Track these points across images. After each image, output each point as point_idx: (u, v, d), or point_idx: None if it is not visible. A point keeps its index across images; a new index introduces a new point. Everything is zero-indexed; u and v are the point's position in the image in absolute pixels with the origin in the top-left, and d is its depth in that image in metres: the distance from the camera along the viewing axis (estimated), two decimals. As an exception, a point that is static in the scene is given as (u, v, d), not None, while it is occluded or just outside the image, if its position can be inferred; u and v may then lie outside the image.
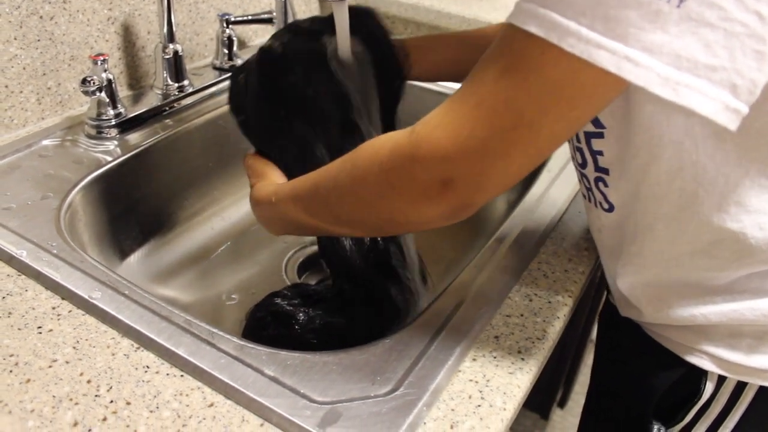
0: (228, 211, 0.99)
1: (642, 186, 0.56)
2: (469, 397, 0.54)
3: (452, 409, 0.52)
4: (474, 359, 0.57)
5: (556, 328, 0.62)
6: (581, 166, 0.61)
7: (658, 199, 0.55)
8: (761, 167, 0.49)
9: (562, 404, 1.67)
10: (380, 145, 0.49)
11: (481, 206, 0.47)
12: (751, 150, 0.49)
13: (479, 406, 0.53)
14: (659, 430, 0.67)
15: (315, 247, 0.96)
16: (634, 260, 0.62)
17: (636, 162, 0.54)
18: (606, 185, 0.60)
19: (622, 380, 0.73)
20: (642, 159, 0.54)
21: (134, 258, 0.86)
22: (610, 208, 0.61)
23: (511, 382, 0.55)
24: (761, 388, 0.61)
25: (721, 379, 0.62)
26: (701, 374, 0.62)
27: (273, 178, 0.68)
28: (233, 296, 0.87)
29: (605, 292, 0.76)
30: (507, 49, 0.41)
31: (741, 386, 0.62)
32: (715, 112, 0.36)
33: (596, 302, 1.36)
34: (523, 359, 0.58)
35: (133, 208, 0.86)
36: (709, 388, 0.63)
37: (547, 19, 0.37)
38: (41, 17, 0.83)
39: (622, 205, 0.60)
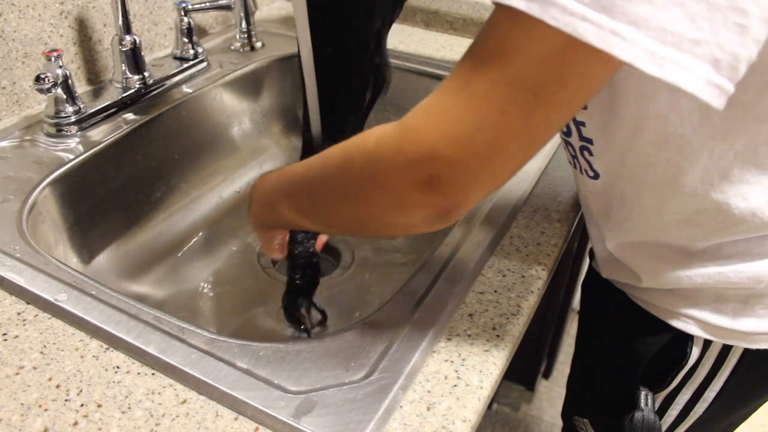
0: (197, 202, 0.97)
1: (628, 156, 0.56)
2: (445, 377, 0.53)
3: (428, 391, 0.52)
4: (449, 339, 0.57)
5: (530, 303, 0.62)
6: (566, 134, 0.61)
7: (644, 169, 0.55)
8: (747, 140, 0.49)
9: (546, 375, 1.68)
10: (369, 133, 0.46)
11: (466, 210, 0.43)
12: (738, 124, 0.48)
13: (455, 386, 0.52)
14: (646, 395, 0.68)
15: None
16: (623, 225, 0.62)
17: (621, 133, 0.54)
18: (591, 154, 0.60)
19: (609, 347, 0.74)
20: (627, 130, 0.53)
21: (104, 257, 0.84)
22: (596, 176, 0.61)
23: (486, 359, 0.55)
24: (745, 351, 0.62)
25: (707, 344, 0.62)
26: (687, 339, 0.63)
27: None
28: (207, 288, 0.86)
29: (588, 261, 0.76)
30: (493, 31, 0.38)
31: (726, 350, 0.62)
32: (698, 89, 0.35)
33: (575, 272, 1.36)
34: (498, 336, 0.57)
35: (99, 206, 0.84)
36: (695, 352, 0.63)
37: None
38: (-10, 15, 0.81)
39: (607, 174, 0.60)
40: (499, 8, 0.37)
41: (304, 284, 0.71)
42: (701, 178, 0.52)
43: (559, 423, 0.89)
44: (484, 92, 0.38)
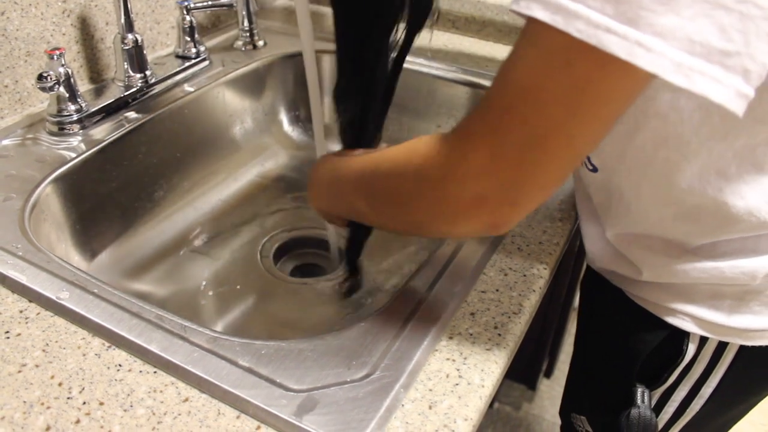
0: (199, 201, 0.97)
1: (627, 152, 0.56)
2: (447, 376, 0.53)
3: (430, 389, 0.52)
4: (450, 337, 0.57)
5: (532, 302, 0.62)
6: None
7: (642, 166, 0.56)
8: (746, 140, 0.49)
9: (548, 374, 1.68)
10: (416, 146, 0.47)
11: (517, 222, 0.45)
12: (738, 124, 0.48)
13: (457, 384, 0.53)
14: (643, 392, 0.68)
15: (289, 234, 0.95)
16: (622, 217, 0.62)
17: (620, 128, 0.54)
18: None
19: (606, 345, 0.74)
20: (627, 127, 0.53)
21: (105, 255, 0.84)
22: (594, 169, 0.62)
23: (488, 358, 0.55)
24: (741, 348, 0.62)
25: (703, 340, 0.63)
26: (683, 336, 0.63)
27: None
28: (209, 287, 0.86)
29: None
30: (529, 46, 0.39)
31: (722, 347, 0.62)
32: (727, 99, 0.35)
33: (576, 271, 1.36)
34: (499, 335, 0.57)
35: (101, 204, 0.84)
36: (691, 349, 0.63)
37: (552, 3, 0.35)
38: (-8, 13, 0.81)
39: (606, 168, 0.60)
40: (531, 23, 0.37)
41: (361, 236, 0.76)
42: (699, 176, 0.52)
43: (560, 422, 0.89)
44: (524, 114, 0.39)
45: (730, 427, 0.75)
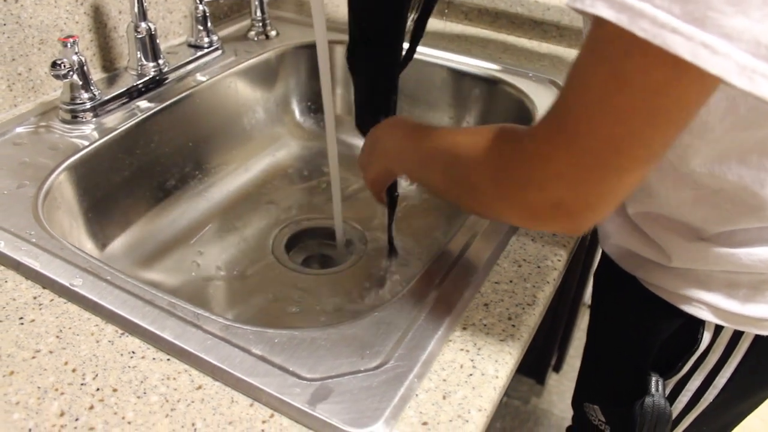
0: (210, 190, 0.97)
1: None
2: (461, 366, 0.53)
3: (444, 380, 0.52)
4: (464, 328, 0.57)
5: (546, 293, 0.61)
6: None
7: None
8: None
9: (557, 368, 1.68)
10: (488, 139, 0.47)
11: (594, 223, 0.45)
12: (763, 114, 0.48)
13: (471, 375, 0.52)
14: (657, 381, 0.67)
15: (301, 223, 0.95)
16: (645, 199, 0.62)
17: None
18: None
19: (620, 334, 0.74)
20: None
21: (118, 243, 0.84)
22: None
23: (502, 349, 0.55)
24: (756, 337, 0.62)
25: (718, 329, 0.62)
26: (698, 324, 0.63)
27: None
28: (220, 276, 0.86)
29: (602, 251, 0.76)
30: (599, 50, 0.38)
31: (737, 336, 0.62)
32: None
33: (587, 265, 1.35)
34: (513, 326, 0.57)
35: (113, 193, 0.84)
36: (706, 338, 0.63)
37: (617, 1, 0.35)
38: (5, 0, 0.81)
39: None
40: (599, 23, 0.37)
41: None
42: (720, 162, 0.52)
43: (569, 417, 0.89)
44: (602, 120, 0.39)
45: (743, 418, 0.75)
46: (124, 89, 0.89)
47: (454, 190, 0.54)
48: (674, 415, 0.70)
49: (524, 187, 0.44)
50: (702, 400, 0.68)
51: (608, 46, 0.37)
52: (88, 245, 0.80)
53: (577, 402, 0.85)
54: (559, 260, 0.65)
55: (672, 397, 0.69)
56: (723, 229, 0.57)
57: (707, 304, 0.61)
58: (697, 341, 0.63)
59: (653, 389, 0.67)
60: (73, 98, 0.84)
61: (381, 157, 0.66)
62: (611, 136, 0.39)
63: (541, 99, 0.94)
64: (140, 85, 0.91)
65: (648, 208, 0.63)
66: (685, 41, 0.33)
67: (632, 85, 0.37)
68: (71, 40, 0.80)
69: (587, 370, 0.85)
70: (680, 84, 0.36)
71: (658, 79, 0.36)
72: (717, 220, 0.57)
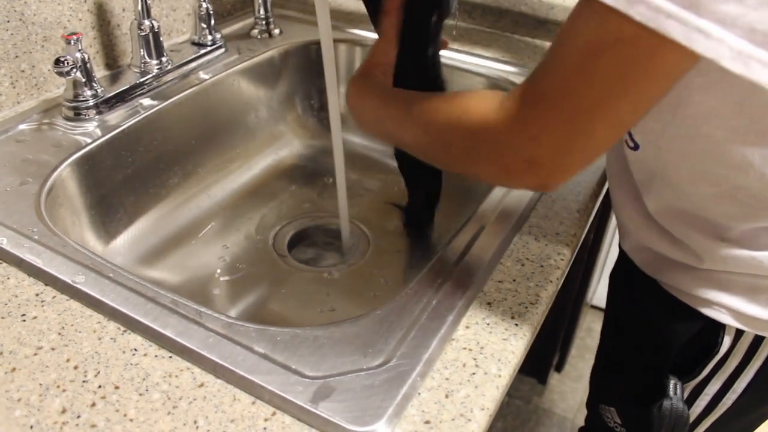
0: (213, 188, 0.97)
1: (669, 128, 0.55)
2: (464, 365, 0.53)
3: (446, 378, 0.52)
4: (467, 327, 0.56)
5: (549, 292, 0.61)
6: None
7: (685, 141, 0.55)
8: None
9: (559, 368, 1.68)
10: (468, 104, 0.49)
11: (563, 183, 0.48)
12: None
13: (474, 374, 0.52)
14: (675, 384, 0.67)
15: (303, 222, 0.95)
16: (665, 193, 0.62)
17: (663, 102, 0.54)
18: None
19: (639, 336, 0.73)
20: (670, 100, 0.53)
21: (120, 240, 0.84)
22: (635, 147, 0.61)
23: (505, 348, 0.55)
24: None
25: (739, 333, 0.62)
26: (719, 328, 0.62)
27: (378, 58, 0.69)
28: (222, 274, 0.86)
29: (619, 250, 0.76)
30: (582, 23, 0.40)
31: (758, 341, 0.62)
32: None
33: (590, 265, 1.35)
34: (516, 325, 0.57)
35: (116, 190, 0.84)
36: (726, 342, 0.62)
37: None
38: (10, -3, 0.81)
39: (648, 145, 0.60)
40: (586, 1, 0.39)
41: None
42: (742, 155, 0.51)
43: (570, 416, 0.89)
44: (577, 87, 0.41)
45: (759, 424, 0.74)
46: (128, 87, 0.89)
47: (431, 152, 0.57)
48: (692, 418, 0.70)
49: (501, 143, 0.46)
50: (720, 404, 0.67)
51: (594, 20, 0.39)
52: (91, 242, 0.80)
53: (592, 404, 0.85)
54: (562, 259, 0.65)
55: (690, 401, 0.68)
56: (745, 227, 0.56)
57: (728, 308, 0.60)
58: (717, 345, 0.63)
59: (671, 392, 0.66)
60: (76, 95, 0.84)
61: (359, 124, 0.67)
62: (584, 100, 0.41)
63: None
64: (143, 83, 0.91)
65: (669, 202, 0.62)
66: (679, 25, 0.35)
67: (609, 56, 0.39)
68: (75, 37, 0.80)
69: (603, 372, 0.84)
70: (656, 59, 0.38)
71: (634, 53, 0.38)
72: (739, 217, 0.56)
